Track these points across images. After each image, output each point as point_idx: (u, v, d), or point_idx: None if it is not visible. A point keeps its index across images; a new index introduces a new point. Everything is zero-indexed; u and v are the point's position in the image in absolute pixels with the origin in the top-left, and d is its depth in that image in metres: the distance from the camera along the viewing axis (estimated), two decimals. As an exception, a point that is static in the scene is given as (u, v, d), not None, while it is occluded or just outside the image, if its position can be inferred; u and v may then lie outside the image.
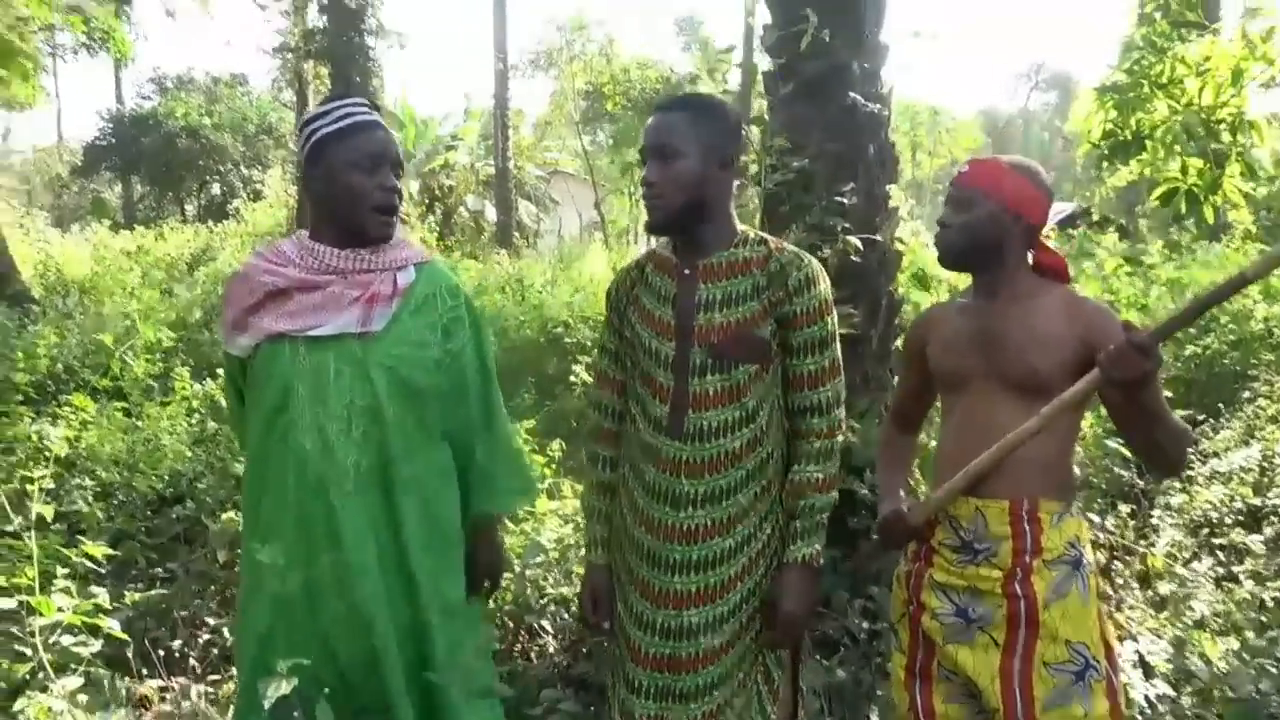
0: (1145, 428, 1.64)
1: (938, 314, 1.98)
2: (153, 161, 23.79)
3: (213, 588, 3.39)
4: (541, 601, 3.04)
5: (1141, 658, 2.71)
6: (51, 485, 3.23)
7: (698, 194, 1.76)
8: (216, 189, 25.05)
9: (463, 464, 1.90)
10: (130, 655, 2.60)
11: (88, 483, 3.78)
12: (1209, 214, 5.73)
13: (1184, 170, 5.68)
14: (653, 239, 2.00)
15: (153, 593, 3.10)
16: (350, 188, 1.74)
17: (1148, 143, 5.81)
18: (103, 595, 2.35)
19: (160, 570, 3.49)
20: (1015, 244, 1.80)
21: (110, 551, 2.76)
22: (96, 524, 3.41)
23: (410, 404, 1.77)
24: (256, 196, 18.30)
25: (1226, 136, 5.49)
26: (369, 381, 1.72)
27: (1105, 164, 6.49)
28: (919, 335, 1.98)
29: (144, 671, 2.72)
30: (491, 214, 19.94)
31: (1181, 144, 5.55)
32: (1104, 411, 3.74)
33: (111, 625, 2.25)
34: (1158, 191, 5.87)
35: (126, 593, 2.87)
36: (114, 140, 24.38)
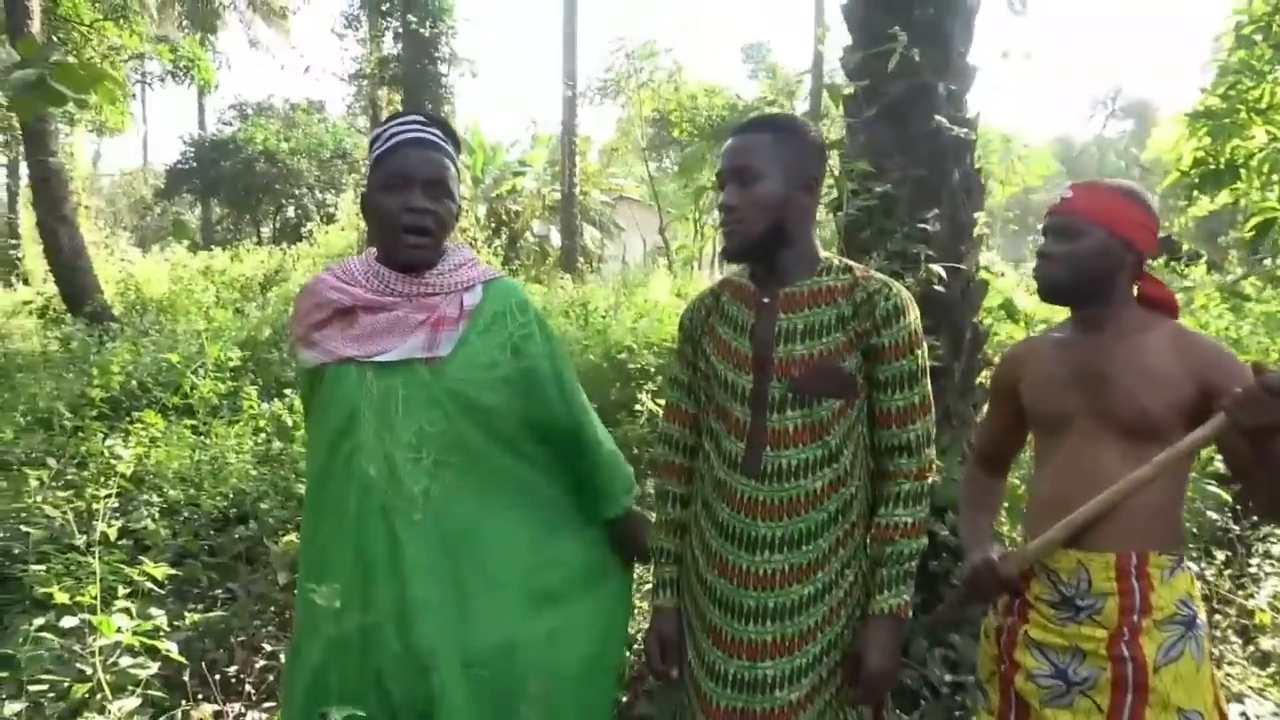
0: (1273, 478, 1.50)
1: (1031, 348, 1.84)
2: (231, 185, 24.60)
3: (271, 610, 3.37)
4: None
5: (1249, 722, 2.51)
6: (117, 504, 3.25)
7: (779, 217, 1.66)
8: (291, 212, 25.73)
9: (553, 477, 1.82)
10: (186, 677, 2.57)
11: (154, 499, 3.82)
12: (1312, 246, 5.45)
13: (1283, 200, 5.41)
14: (718, 267, 1.91)
15: (212, 614, 3.08)
16: (379, 210, 1.70)
17: (1243, 171, 5.54)
18: (162, 617, 2.33)
19: (220, 590, 3.49)
20: (1125, 275, 1.67)
21: (172, 571, 2.76)
22: (160, 541, 3.42)
23: (481, 428, 1.69)
24: (329, 219, 18.73)
25: (1331, 166, 5.22)
26: (438, 407, 1.66)
27: (1194, 193, 6.21)
28: (1010, 371, 1.85)
29: (199, 695, 2.69)
30: (557, 239, 20.12)
31: (1280, 173, 5.30)
32: (1203, 453, 3.53)
33: (169, 648, 2.22)
34: (1252, 222, 5.59)
35: (186, 613, 2.86)
36: (195, 164, 25.29)
